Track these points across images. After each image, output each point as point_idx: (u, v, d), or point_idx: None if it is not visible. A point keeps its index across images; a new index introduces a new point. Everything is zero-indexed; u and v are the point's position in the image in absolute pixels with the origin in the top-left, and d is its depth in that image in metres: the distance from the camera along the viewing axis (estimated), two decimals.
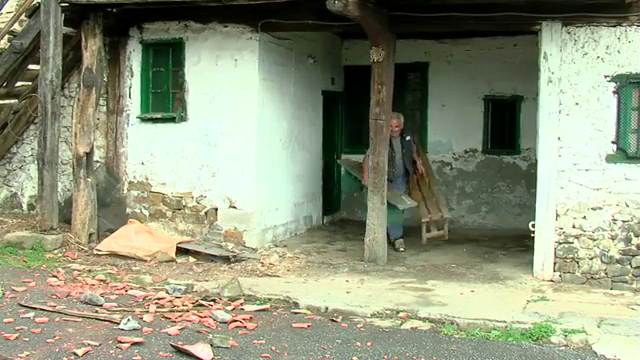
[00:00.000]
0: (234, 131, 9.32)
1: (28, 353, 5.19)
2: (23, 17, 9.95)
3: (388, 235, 9.21)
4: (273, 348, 5.56)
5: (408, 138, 9.89)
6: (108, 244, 8.93)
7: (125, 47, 9.87)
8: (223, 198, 9.41)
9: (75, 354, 5.20)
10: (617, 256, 7.85)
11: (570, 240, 7.99)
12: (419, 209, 9.91)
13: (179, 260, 8.75)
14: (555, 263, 8.02)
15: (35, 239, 8.92)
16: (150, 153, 9.76)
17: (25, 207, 10.63)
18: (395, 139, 9.61)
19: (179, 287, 7.34)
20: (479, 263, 8.85)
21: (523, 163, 11.43)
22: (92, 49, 9.21)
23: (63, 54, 9.29)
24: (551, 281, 7.96)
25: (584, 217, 7.95)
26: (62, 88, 9.71)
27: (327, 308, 6.81)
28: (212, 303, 6.82)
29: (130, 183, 9.89)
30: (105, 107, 9.95)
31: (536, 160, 8.49)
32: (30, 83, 10.22)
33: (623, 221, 7.85)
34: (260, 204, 9.42)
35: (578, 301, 7.22)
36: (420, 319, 6.51)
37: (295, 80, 10.34)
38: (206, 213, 9.50)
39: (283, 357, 5.41)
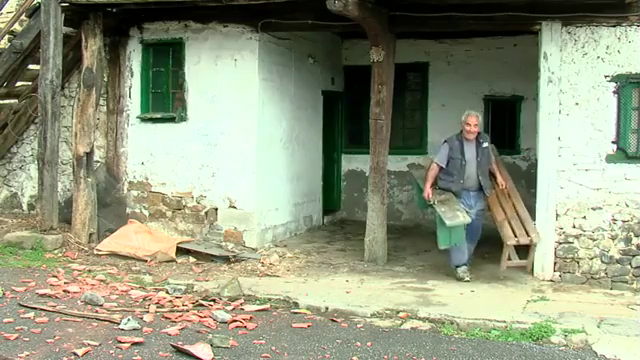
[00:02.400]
0: (234, 131, 9.32)
1: (28, 353, 5.19)
2: (23, 17, 9.94)
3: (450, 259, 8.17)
4: (273, 348, 5.56)
5: (486, 145, 8.15)
6: (108, 244, 8.94)
7: (125, 47, 9.88)
8: (223, 198, 9.41)
9: (75, 354, 5.20)
10: (617, 256, 7.85)
11: (570, 240, 7.99)
12: (501, 230, 8.15)
13: (179, 260, 8.75)
14: (555, 263, 8.02)
15: (35, 239, 8.92)
16: (150, 153, 9.76)
17: (25, 207, 10.63)
18: (469, 144, 8.03)
19: (179, 287, 7.34)
20: (479, 263, 8.84)
21: (523, 163, 11.43)
22: (92, 49, 9.21)
23: (63, 54, 9.29)
24: (551, 281, 7.96)
25: (584, 217, 7.95)
26: (62, 88, 9.72)
27: (327, 308, 6.82)
28: (212, 303, 6.83)
29: (130, 183, 9.89)
30: (105, 107, 9.95)
31: (536, 160, 8.51)
32: (30, 83, 10.22)
33: (623, 221, 7.85)
34: (260, 204, 9.42)
35: (578, 301, 7.23)
36: (420, 319, 6.51)
37: (295, 80, 10.34)
38: (206, 213, 9.50)
39: (283, 357, 5.41)
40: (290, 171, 10.31)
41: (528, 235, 8.02)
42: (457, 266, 8.05)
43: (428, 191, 8.07)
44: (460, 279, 7.91)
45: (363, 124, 10.39)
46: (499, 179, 8.35)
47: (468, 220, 7.92)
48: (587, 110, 7.96)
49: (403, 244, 10.01)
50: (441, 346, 5.77)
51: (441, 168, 8.09)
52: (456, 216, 7.89)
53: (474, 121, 8.00)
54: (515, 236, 8.03)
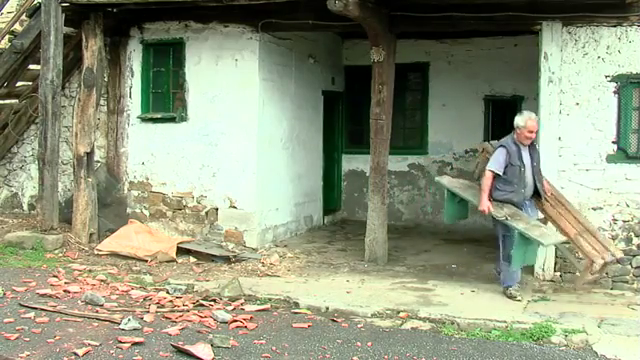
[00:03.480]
0: (234, 131, 9.32)
1: (29, 353, 5.19)
2: (24, 17, 9.96)
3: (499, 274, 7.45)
4: (273, 348, 5.56)
5: (537, 148, 7.55)
6: (108, 244, 8.94)
7: (126, 47, 9.88)
8: (223, 198, 9.41)
9: (75, 354, 5.20)
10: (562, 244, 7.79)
11: None
12: (578, 247, 7.23)
13: (179, 260, 8.75)
14: (556, 263, 8.01)
15: (35, 239, 8.93)
16: (150, 153, 9.76)
17: (26, 207, 10.64)
18: (524, 148, 7.27)
19: (180, 287, 7.34)
20: (480, 263, 8.85)
21: None
22: (93, 49, 9.22)
23: (64, 54, 9.30)
24: (552, 281, 7.96)
25: (584, 217, 7.93)
26: (63, 88, 9.72)
27: (327, 308, 6.82)
28: (212, 303, 6.83)
29: (130, 183, 9.90)
30: (106, 107, 9.96)
31: None
32: (31, 83, 10.23)
33: (624, 221, 7.84)
34: (260, 204, 9.42)
35: (578, 301, 7.22)
36: (420, 319, 6.51)
37: (295, 80, 10.34)
38: (206, 213, 9.50)
39: (283, 357, 5.41)
40: (290, 171, 10.31)
41: (608, 250, 7.19)
42: (509, 286, 7.29)
43: (488, 204, 7.17)
44: (512, 297, 7.17)
45: (363, 124, 10.40)
46: (546, 186, 7.51)
47: (562, 238, 7.20)
48: (587, 110, 7.96)
49: (404, 244, 10.01)
50: (441, 346, 5.76)
51: (495, 176, 7.23)
52: (545, 234, 7.02)
53: (536, 127, 7.30)
54: (599, 253, 7.11)
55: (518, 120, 7.26)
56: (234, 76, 9.32)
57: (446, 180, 8.04)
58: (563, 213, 7.41)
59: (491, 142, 7.86)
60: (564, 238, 7.18)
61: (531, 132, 7.21)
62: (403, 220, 11.90)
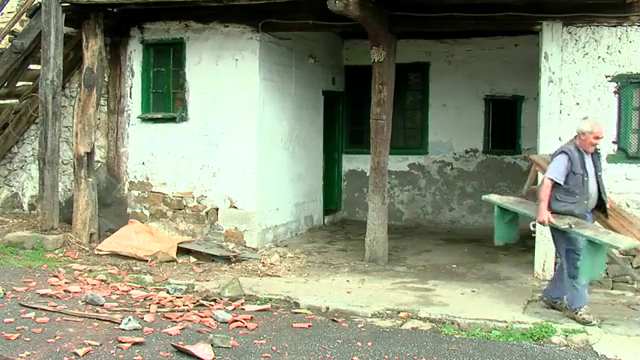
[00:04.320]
0: (235, 131, 9.32)
1: (29, 353, 5.19)
2: (24, 17, 9.97)
3: (566, 299, 6.67)
4: (274, 348, 5.57)
5: (600, 152, 6.85)
6: (109, 244, 8.94)
7: (126, 47, 9.88)
8: (224, 198, 9.42)
9: (76, 354, 5.20)
10: (618, 256, 7.83)
11: None
12: None
13: (180, 260, 8.75)
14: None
15: (36, 239, 8.93)
16: (151, 153, 9.76)
17: (26, 207, 10.64)
18: (587, 156, 6.58)
19: (180, 287, 7.34)
20: (480, 263, 8.85)
21: (524, 163, 11.42)
22: (93, 49, 9.22)
23: (64, 54, 9.30)
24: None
25: None
26: (63, 88, 9.72)
27: (328, 308, 6.82)
28: (213, 303, 6.83)
29: (131, 183, 9.90)
30: (106, 107, 9.96)
31: None
32: (31, 83, 10.23)
33: None
34: (261, 204, 9.42)
35: None
36: (421, 319, 6.51)
37: (296, 80, 10.35)
38: (207, 213, 9.50)
39: (284, 357, 5.42)
40: (291, 171, 10.31)
41: None
42: (580, 307, 6.50)
43: (548, 214, 6.46)
44: (586, 323, 6.37)
45: (364, 124, 10.41)
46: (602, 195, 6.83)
47: (637, 243, 6.54)
48: (588, 110, 7.95)
49: (404, 244, 10.01)
50: (442, 346, 5.76)
51: (555, 185, 6.49)
52: (617, 238, 6.40)
53: (603, 133, 6.66)
54: None
55: (584, 125, 6.61)
56: (234, 76, 9.32)
57: (496, 197, 7.40)
58: (626, 225, 6.89)
59: (541, 155, 7.50)
60: (638, 243, 6.52)
61: (597, 138, 6.54)
62: (403, 220, 11.91)
